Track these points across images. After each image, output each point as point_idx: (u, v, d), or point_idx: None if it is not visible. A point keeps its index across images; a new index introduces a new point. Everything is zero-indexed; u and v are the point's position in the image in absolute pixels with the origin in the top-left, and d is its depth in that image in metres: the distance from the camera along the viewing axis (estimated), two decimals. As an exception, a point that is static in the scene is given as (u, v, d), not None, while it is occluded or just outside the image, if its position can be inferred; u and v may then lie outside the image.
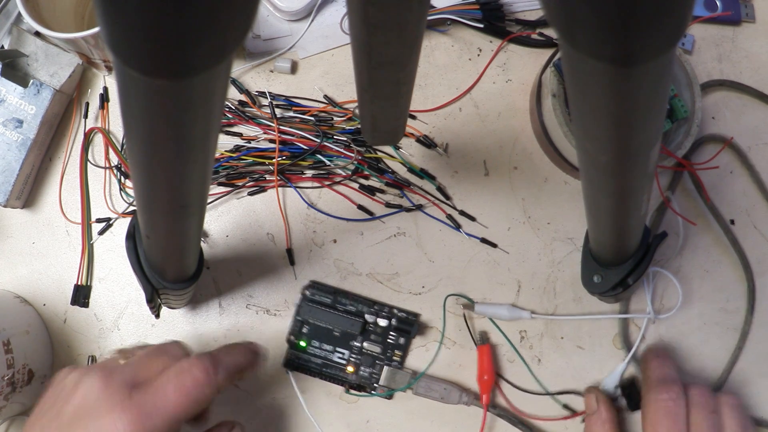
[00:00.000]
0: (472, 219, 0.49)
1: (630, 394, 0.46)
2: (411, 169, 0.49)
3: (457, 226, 0.49)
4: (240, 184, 0.49)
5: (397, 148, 0.49)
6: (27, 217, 0.49)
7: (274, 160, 0.48)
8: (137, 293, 0.48)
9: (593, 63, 0.20)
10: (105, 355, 0.47)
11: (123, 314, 0.48)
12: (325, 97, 0.50)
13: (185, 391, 0.33)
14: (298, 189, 0.49)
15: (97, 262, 0.49)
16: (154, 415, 0.32)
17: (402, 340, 0.47)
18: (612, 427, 0.44)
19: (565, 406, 0.47)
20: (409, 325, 0.47)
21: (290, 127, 0.48)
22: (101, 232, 0.49)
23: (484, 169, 0.50)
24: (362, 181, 0.49)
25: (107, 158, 0.49)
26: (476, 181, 0.50)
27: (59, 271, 0.49)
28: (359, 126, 0.49)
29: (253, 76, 0.50)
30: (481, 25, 0.50)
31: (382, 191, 0.49)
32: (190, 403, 0.33)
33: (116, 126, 0.50)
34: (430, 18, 0.50)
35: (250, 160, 0.48)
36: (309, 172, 0.49)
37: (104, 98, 0.50)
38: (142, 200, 0.30)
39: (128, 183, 0.48)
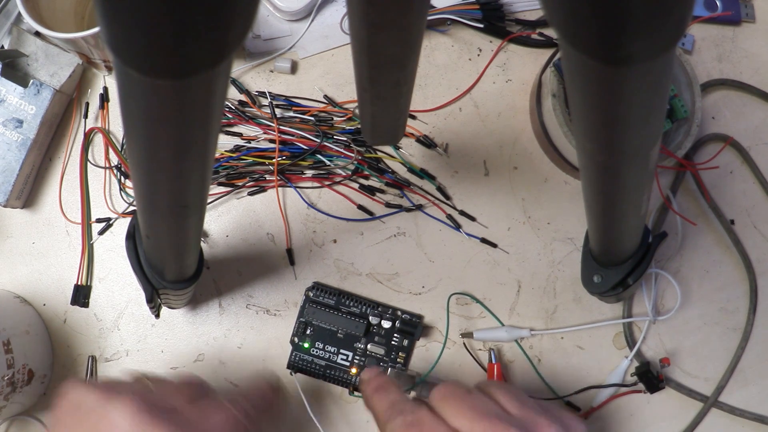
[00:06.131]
0: (472, 219, 0.49)
1: (647, 379, 0.46)
2: (411, 169, 0.49)
3: (457, 226, 0.49)
4: (240, 184, 0.49)
5: (397, 148, 0.49)
6: (27, 217, 0.49)
7: (274, 160, 0.48)
8: (137, 293, 0.48)
9: (593, 63, 0.20)
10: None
11: (123, 314, 0.48)
12: (325, 97, 0.50)
13: (233, 426, 0.31)
14: (298, 189, 0.49)
15: (97, 262, 0.49)
16: None
17: (406, 342, 0.47)
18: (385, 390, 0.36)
19: (568, 404, 0.47)
20: (413, 327, 0.47)
21: (290, 127, 0.48)
22: (101, 232, 0.49)
23: (484, 169, 0.50)
24: (362, 181, 0.49)
25: (107, 158, 0.49)
26: (476, 181, 0.50)
27: (59, 271, 0.49)
28: (359, 126, 0.49)
29: (253, 76, 0.50)
30: (481, 25, 0.50)
31: (382, 191, 0.49)
32: None
33: (116, 126, 0.50)
34: (430, 18, 0.50)
35: (250, 160, 0.48)
36: (309, 172, 0.49)
37: (104, 98, 0.50)
38: (142, 200, 0.30)
39: (128, 183, 0.48)
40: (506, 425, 0.30)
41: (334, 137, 0.49)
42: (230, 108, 0.49)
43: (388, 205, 0.49)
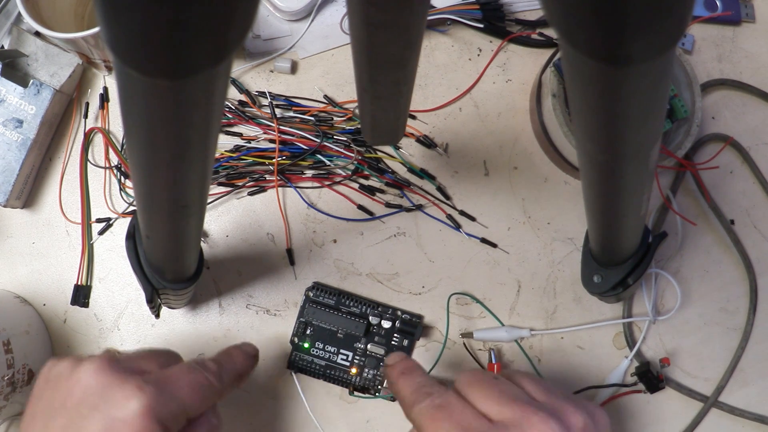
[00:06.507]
0: (472, 219, 0.49)
1: (647, 379, 0.46)
2: (411, 169, 0.49)
3: (457, 226, 0.49)
4: (240, 184, 0.49)
5: (397, 148, 0.49)
6: (27, 217, 0.49)
7: (274, 160, 0.48)
8: (137, 293, 0.48)
9: (593, 63, 0.20)
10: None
11: (123, 314, 0.48)
12: (325, 97, 0.50)
13: (198, 388, 0.32)
14: (298, 189, 0.49)
15: (97, 262, 0.49)
16: (171, 402, 0.30)
17: (406, 342, 0.47)
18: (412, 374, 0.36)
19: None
20: (413, 327, 0.47)
21: (290, 127, 0.48)
22: (101, 232, 0.49)
23: (484, 169, 0.50)
24: (362, 181, 0.49)
25: (107, 158, 0.49)
26: (476, 181, 0.50)
27: (59, 271, 0.49)
28: (359, 126, 0.49)
29: (253, 76, 0.50)
30: (481, 25, 0.50)
31: (382, 191, 0.49)
32: (201, 402, 0.32)
33: (116, 126, 0.50)
34: (430, 18, 0.50)
35: (250, 160, 0.48)
36: (309, 172, 0.49)
37: (104, 98, 0.50)
38: (142, 200, 0.30)
39: (128, 183, 0.48)
40: (534, 409, 0.30)
41: (334, 137, 0.49)
42: (230, 108, 0.49)
43: (388, 205, 0.49)
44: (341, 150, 0.48)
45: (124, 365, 0.31)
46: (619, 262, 0.41)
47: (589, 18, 0.18)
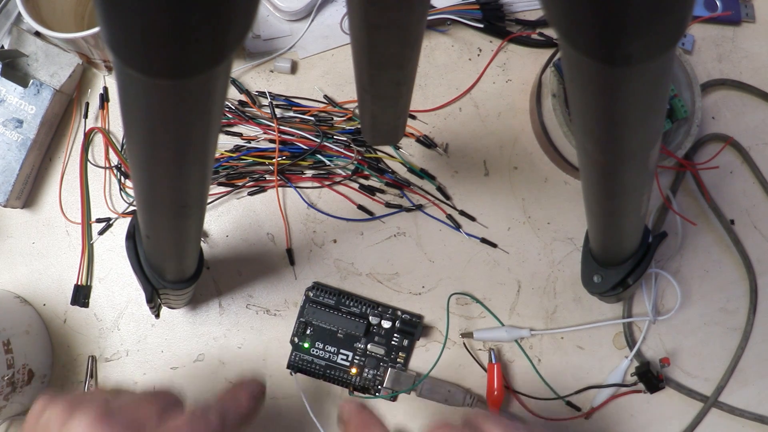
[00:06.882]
0: (472, 219, 0.49)
1: (647, 379, 0.46)
2: (411, 169, 0.49)
3: (457, 226, 0.49)
4: (240, 184, 0.49)
5: (397, 148, 0.49)
6: (27, 217, 0.49)
7: (274, 160, 0.48)
8: (137, 293, 0.48)
9: (593, 63, 0.20)
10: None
11: (123, 314, 0.48)
12: (325, 97, 0.50)
13: None
14: (298, 189, 0.49)
15: (97, 262, 0.49)
16: None
17: (406, 342, 0.47)
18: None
19: (568, 404, 0.47)
20: (413, 327, 0.47)
21: (290, 127, 0.48)
22: (101, 232, 0.49)
23: (484, 169, 0.50)
24: (362, 181, 0.49)
25: (107, 158, 0.49)
26: (476, 181, 0.50)
27: (59, 271, 0.49)
28: (359, 126, 0.49)
29: (253, 76, 0.50)
30: (481, 25, 0.50)
31: (382, 191, 0.49)
32: None
33: (116, 126, 0.50)
34: (430, 18, 0.50)
35: (250, 160, 0.48)
36: (309, 172, 0.49)
37: (104, 98, 0.50)
38: (142, 200, 0.30)
39: (128, 183, 0.48)
40: None
41: (334, 137, 0.49)
42: (230, 108, 0.49)
43: (388, 205, 0.49)
44: (341, 150, 0.48)
45: (119, 419, 0.29)
46: (619, 262, 0.41)
47: (589, 18, 0.18)
